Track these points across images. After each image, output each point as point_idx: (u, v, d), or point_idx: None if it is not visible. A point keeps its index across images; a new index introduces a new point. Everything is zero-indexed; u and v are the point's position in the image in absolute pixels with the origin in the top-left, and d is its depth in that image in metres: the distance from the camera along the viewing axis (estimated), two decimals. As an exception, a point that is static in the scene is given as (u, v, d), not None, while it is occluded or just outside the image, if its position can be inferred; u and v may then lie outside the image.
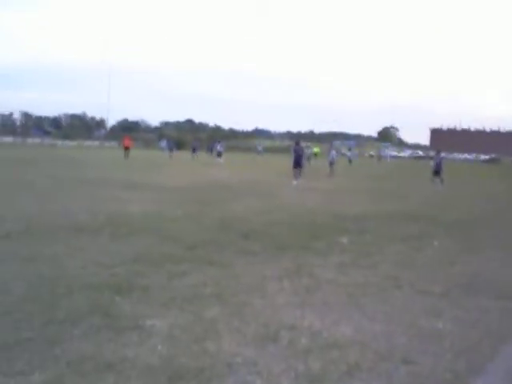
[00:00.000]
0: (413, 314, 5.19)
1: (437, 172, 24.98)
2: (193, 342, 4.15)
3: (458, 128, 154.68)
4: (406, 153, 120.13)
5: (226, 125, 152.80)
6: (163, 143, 58.33)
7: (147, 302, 5.09)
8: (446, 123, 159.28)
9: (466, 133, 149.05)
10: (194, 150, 48.22)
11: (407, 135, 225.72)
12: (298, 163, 22.91)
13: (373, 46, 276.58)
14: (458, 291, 6.11)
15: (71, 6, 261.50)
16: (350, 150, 59.13)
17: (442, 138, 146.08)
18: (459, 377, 3.82)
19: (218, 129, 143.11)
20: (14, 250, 7.05)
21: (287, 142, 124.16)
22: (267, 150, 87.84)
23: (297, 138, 48.56)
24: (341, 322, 4.81)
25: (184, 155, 48.58)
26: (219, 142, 46.91)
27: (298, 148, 23.93)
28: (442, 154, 26.51)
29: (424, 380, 3.73)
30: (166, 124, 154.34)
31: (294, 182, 21.57)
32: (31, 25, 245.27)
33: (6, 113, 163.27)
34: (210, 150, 54.57)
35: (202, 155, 51.16)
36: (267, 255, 7.49)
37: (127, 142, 42.75)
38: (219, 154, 45.83)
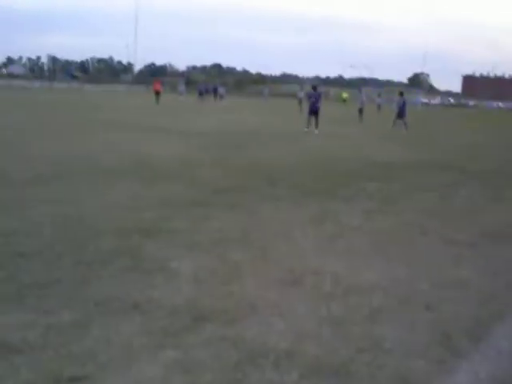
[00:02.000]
0: (437, 261, 5.18)
1: (399, 115, 25.25)
2: (217, 284, 4.22)
3: (492, 75, 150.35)
4: (437, 100, 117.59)
5: (253, 69, 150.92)
6: (181, 87, 55.92)
7: (173, 245, 5.16)
8: (479, 70, 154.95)
9: (499, 80, 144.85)
10: (200, 94, 49.08)
11: (439, 82, 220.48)
12: (313, 110, 21.25)
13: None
14: (484, 240, 6.06)
15: None
16: (379, 95, 57.76)
17: (475, 85, 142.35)
18: (480, 323, 3.82)
19: (245, 73, 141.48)
20: (43, 193, 7.17)
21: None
22: (294, 94, 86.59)
23: (315, 82, 46.80)
24: (364, 268, 4.82)
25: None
26: (220, 86, 50.16)
27: (314, 94, 22.19)
28: (405, 97, 26.57)
29: (445, 326, 3.75)
30: (194, 68, 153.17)
31: (305, 129, 20.55)
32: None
33: (34, 57, 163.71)
34: (203, 92, 52.16)
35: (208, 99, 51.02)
36: (293, 201, 7.49)
37: (157, 86, 41.86)
38: (221, 97, 47.44)
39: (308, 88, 30.07)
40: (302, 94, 42.74)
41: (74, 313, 3.58)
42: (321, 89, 26.61)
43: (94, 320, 3.51)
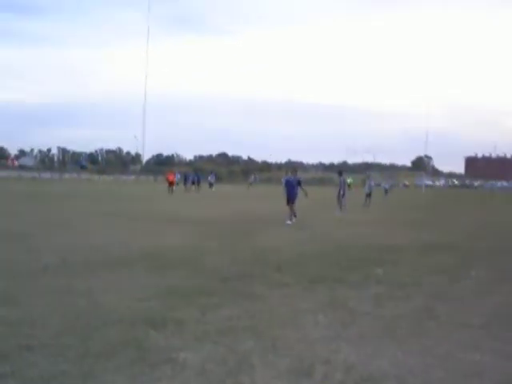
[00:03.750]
0: (449, 346, 5.06)
1: (341, 196, 25.56)
2: (226, 376, 4.12)
3: (494, 155, 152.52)
4: (441, 182, 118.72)
5: (259, 157, 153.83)
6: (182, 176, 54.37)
7: (181, 336, 5.09)
8: (480, 151, 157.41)
9: (501, 160, 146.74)
10: (186, 181, 49.05)
11: (441, 164, 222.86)
12: (292, 198, 18.12)
13: (404, 75, 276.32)
14: (496, 322, 5.94)
15: (107, 41, 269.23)
16: (384, 181, 58.38)
17: (477, 165, 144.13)
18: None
19: (251, 161, 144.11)
20: (51, 284, 7.16)
21: (320, 174, 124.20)
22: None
23: (292, 165, 46.61)
24: (376, 356, 4.72)
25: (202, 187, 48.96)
26: (211, 173, 50.78)
27: (291, 179, 18.75)
28: (342, 178, 26.82)
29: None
30: (200, 158, 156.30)
31: (288, 222, 17.51)
32: (66, 63, 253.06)
33: (44, 149, 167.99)
34: (190, 181, 50.77)
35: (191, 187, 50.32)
36: (301, 288, 7.43)
37: (171, 177, 42.08)
38: (211, 185, 48.24)
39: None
40: (252, 178, 50.50)
41: (80, 408, 3.50)
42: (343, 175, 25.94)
43: (99, 416, 3.42)
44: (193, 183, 49.96)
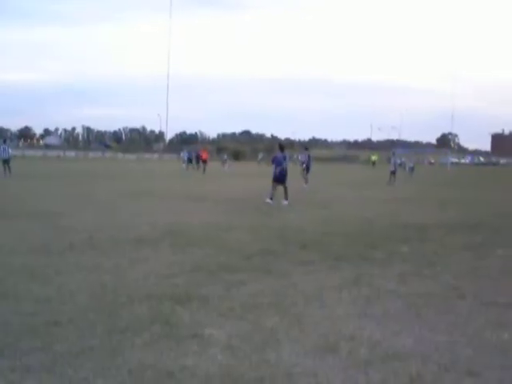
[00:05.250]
0: (476, 324, 5.02)
1: (307, 169, 25.68)
2: (252, 352, 4.14)
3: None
4: (467, 159, 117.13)
5: (282, 135, 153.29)
6: (184, 155, 49.35)
7: (206, 312, 5.13)
8: (507, 128, 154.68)
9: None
10: (189, 160, 45.53)
11: (467, 141, 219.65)
12: (278, 177, 16.68)
13: (430, 51, 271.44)
14: (525, 301, 5.87)
15: (131, 18, 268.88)
16: (409, 159, 57.68)
17: (504, 142, 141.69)
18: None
19: (274, 139, 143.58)
20: (78, 261, 7.26)
21: (344, 151, 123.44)
22: (324, 159, 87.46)
23: (280, 141, 44.80)
24: (401, 333, 4.70)
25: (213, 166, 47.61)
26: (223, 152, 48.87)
27: (279, 156, 17.21)
28: (308, 153, 27.32)
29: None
30: (223, 136, 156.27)
31: (267, 200, 15.99)
32: (89, 41, 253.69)
33: (69, 128, 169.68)
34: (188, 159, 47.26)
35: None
36: (325, 265, 7.41)
37: (205, 155, 40.34)
38: (224, 162, 47.30)
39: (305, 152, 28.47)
40: (300, 157, 45.96)
41: (108, 382, 3.56)
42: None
43: (127, 389, 3.47)
44: (190, 161, 46.84)
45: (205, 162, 38.90)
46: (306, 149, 29.52)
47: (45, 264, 7.01)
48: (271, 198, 16.12)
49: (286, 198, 16.29)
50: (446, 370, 3.91)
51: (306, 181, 25.19)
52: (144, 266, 7.04)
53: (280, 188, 16.56)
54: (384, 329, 4.80)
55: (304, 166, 26.14)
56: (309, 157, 26.70)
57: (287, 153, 18.30)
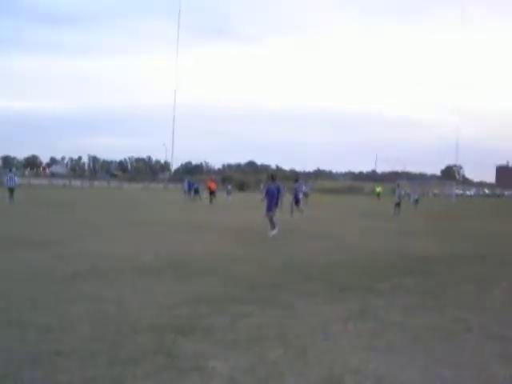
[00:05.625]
0: (484, 359, 4.95)
1: (296, 201, 25.32)
2: (255, 385, 4.09)
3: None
4: (472, 191, 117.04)
5: (287, 166, 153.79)
6: (185, 185, 46.46)
7: (209, 343, 5.08)
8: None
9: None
10: (193, 191, 42.86)
11: (472, 173, 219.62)
12: (271, 206, 16.10)
13: (435, 84, 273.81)
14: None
15: (138, 50, 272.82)
16: (413, 191, 57.54)
17: (509, 174, 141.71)
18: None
19: (279, 170, 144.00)
20: (80, 290, 7.23)
21: (349, 182, 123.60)
22: (329, 190, 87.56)
23: (272, 171, 43.63)
24: (407, 367, 4.63)
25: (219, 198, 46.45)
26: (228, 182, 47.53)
27: (271, 187, 16.48)
28: (300, 183, 27.36)
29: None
30: (228, 166, 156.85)
31: (270, 233, 15.65)
32: (95, 72, 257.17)
33: (75, 157, 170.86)
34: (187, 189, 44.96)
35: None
36: (330, 297, 7.36)
37: (212, 185, 38.43)
38: (229, 193, 46.62)
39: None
40: (229, 188, 50.46)
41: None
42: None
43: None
44: (195, 192, 44.69)
45: (212, 192, 37.40)
46: (296, 180, 28.87)
47: (48, 293, 6.98)
48: (272, 229, 15.81)
49: (272, 230, 15.81)
50: (452, 406, 3.84)
51: (300, 210, 24.85)
52: (147, 296, 7.00)
53: (268, 216, 16.06)
54: (389, 362, 4.73)
55: (293, 196, 25.68)
56: (297, 187, 26.14)
57: (280, 183, 17.59)
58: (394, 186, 51.84)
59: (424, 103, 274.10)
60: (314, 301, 7.08)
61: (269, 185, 16.81)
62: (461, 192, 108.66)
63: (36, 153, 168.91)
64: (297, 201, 25.38)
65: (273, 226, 15.94)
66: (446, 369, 4.62)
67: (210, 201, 36.70)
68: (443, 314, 6.63)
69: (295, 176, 29.87)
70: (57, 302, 6.48)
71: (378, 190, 71.47)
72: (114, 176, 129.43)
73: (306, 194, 43.58)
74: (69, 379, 4.05)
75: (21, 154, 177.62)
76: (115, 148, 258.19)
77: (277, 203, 16.06)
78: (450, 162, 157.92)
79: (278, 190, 16.28)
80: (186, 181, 48.83)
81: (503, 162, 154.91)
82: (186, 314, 6.14)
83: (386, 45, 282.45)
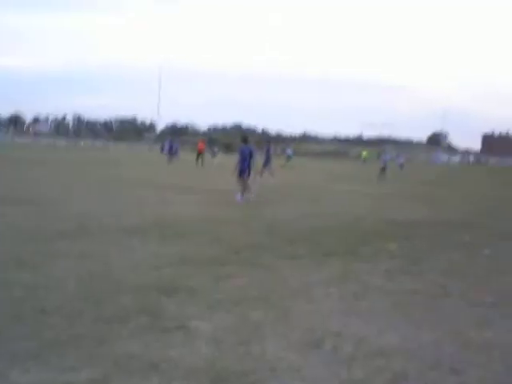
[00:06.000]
0: (461, 323, 5.07)
1: (266, 163, 24.93)
2: (237, 345, 4.16)
3: (511, 134, 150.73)
4: (457, 158, 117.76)
5: (273, 129, 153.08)
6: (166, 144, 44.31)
7: (193, 304, 5.14)
8: (498, 128, 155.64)
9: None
10: (168, 150, 41.52)
11: (458, 140, 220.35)
12: (243, 170, 15.40)
13: (423, 48, 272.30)
14: (509, 301, 5.93)
15: (122, 10, 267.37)
16: (396, 155, 57.96)
17: (494, 143, 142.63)
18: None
19: (265, 133, 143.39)
20: (66, 249, 7.24)
21: (335, 146, 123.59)
22: (315, 154, 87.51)
23: (244, 133, 42.00)
24: (387, 330, 4.73)
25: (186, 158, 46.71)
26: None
27: (244, 148, 15.73)
28: (269, 145, 26.59)
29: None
30: (214, 128, 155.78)
31: (238, 197, 15.03)
32: (81, 30, 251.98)
33: (60, 116, 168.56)
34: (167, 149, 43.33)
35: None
36: (313, 260, 7.44)
37: (201, 146, 37.59)
38: (214, 154, 45.90)
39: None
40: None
41: (93, 371, 3.57)
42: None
43: (112, 379, 3.48)
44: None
45: (201, 154, 36.79)
46: (268, 141, 28.67)
47: (33, 251, 6.98)
48: (241, 194, 15.15)
49: (248, 192, 15.39)
50: (429, 368, 3.95)
51: (272, 173, 24.50)
52: (132, 257, 7.03)
53: (240, 181, 15.39)
54: (370, 326, 4.83)
55: (264, 158, 25.22)
56: (269, 150, 26.05)
57: (252, 146, 16.53)
58: (380, 150, 52.00)
59: (412, 70, 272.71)
60: (297, 264, 7.16)
61: (241, 147, 15.95)
62: (446, 159, 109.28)
63: (20, 111, 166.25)
64: (267, 163, 24.94)
65: (247, 190, 15.38)
66: (425, 333, 4.72)
67: (198, 162, 36.14)
68: (424, 279, 6.75)
69: (267, 138, 29.88)
70: (42, 261, 6.50)
71: (364, 154, 71.53)
72: (98, 136, 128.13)
73: (289, 157, 43.88)
74: (54, 337, 4.09)
75: (4, 111, 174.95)
76: (100, 108, 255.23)
77: (249, 166, 15.45)
78: (437, 128, 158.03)
79: (251, 153, 15.59)
80: (167, 140, 47.39)
81: (489, 131, 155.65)
82: (169, 274, 6.18)
83: (373, 10, 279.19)
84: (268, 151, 25.58)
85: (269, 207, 13.81)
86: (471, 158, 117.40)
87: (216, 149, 54.47)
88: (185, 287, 5.66)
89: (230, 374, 3.64)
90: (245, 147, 15.70)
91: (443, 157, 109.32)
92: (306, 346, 4.24)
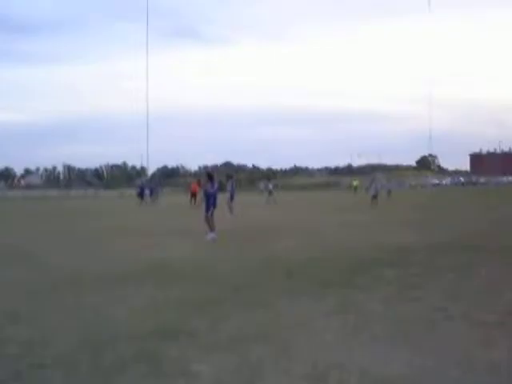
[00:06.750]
0: (465, 346, 5.01)
1: (231, 198, 25.21)
2: (240, 385, 4.09)
3: (499, 151, 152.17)
4: (447, 180, 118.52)
5: (264, 165, 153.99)
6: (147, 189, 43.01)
7: (193, 346, 5.06)
8: (485, 147, 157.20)
9: (507, 155, 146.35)
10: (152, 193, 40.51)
11: (447, 162, 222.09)
12: (209, 207, 14.86)
13: (404, 75, 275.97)
14: (511, 320, 5.90)
15: (106, 56, 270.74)
16: (388, 181, 58.29)
17: (483, 161, 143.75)
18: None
19: (256, 169, 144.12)
20: (60, 301, 7.15)
21: (325, 178, 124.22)
22: (306, 186, 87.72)
23: (209, 169, 41.93)
24: (390, 359, 4.67)
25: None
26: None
27: (211, 185, 15.20)
28: (232, 181, 27.48)
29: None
30: (205, 168, 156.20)
31: (210, 236, 14.51)
32: (66, 81, 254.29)
33: (50, 167, 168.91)
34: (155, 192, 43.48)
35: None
36: (312, 293, 7.38)
37: (195, 188, 35.01)
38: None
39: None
40: (262, 186, 54.08)
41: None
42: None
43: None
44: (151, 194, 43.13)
45: (194, 195, 35.15)
46: (231, 177, 29.14)
47: (27, 305, 6.89)
48: (212, 231, 14.63)
49: (212, 230, 14.67)
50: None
51: (231, 210, 24.14)
52: (128, 304, 6.95)
53: (207, 217, 14.84)
54: (373, 355, 4.76)
55: (229, 194, 25.17)
56: (232, 185, 26.30)
57: (216, 181, 15.74)
58: (371, 179, 52.24)
59: (394, 96, 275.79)
60: (296, 298, 7.10)
61: (208, 185, 15.18)
62: (437, 182, 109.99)
63: (9, 165, 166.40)
64: (232, 198, 25.06)
65: (211, 229, 14.74)
66: (429, 358, 4.66)
67: (191, 202, 35.06)
68: (424, 303, 6.70)
69: (228, 173, 31.25)
70: (37, 314, 6.41)
71: (355, 183, 71.90)
72: (90, 184, 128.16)
73: (270, 192, 44.28)
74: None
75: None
76: (90, 156, 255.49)
77: (214, 204, 15.03)
78: (425, 152, 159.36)
79: (216, 191, 15.21)
80: (144, 185, 46.22)
81: (476, 150, 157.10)
82: (168, 318, 6.10)
83: (351, 40, 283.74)
84: (232, 186, 25.90)
85: (264, 242, 13.74)
86: (461, 179, 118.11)
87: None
88: (184, 330, 5.59)
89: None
90: (212, 184, 15.14)
91: (434, 180, 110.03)
92: (309, 381, 4.17)
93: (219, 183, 19.99)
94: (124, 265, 10.22)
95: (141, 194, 41.12)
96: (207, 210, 14.86)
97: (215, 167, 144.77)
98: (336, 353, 4.83)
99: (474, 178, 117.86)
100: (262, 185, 61.81)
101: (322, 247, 12.64)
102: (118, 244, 14.14)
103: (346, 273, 8.91)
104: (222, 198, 16.75)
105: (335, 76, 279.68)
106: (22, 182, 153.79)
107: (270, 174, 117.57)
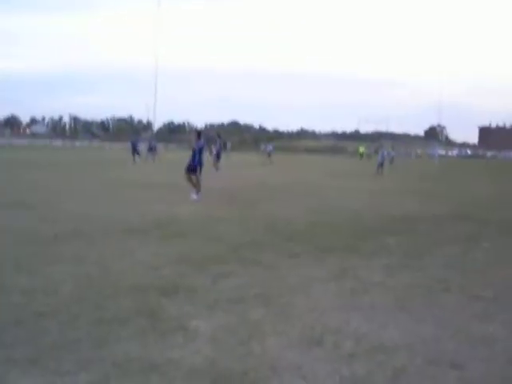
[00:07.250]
0: (462, 318, 5.05)
1: (217, 157, 27.31)
2: (237, 344, 4.14)
3: (508, 126, 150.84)
4: (454, 152, 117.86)
5: (270, 126, 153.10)
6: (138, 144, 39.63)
7: (192, 304, 5.12)
8: (495, 121, 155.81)
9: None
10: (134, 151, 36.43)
11: (455, 134, 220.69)
12: (194, 166, 14.64)
13: (421, 43, 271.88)
14: (509, 294, 5.92)
15: (120, 10, 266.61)
16: (393, 148, 57.96)
17: (491, 135, 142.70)
18: (509, 382, 3.69)
19: (262, 130, 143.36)
20: (64, 251, 7.21)
21: (332, 142, 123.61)
22: (312, 150, 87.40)
23: (198, 128, 42.14)
24: (387, 326, 4.72)
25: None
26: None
27: (197, 143, 14.93)
28: (220, 141, 29.44)
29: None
30: (211, 126, 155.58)
31: (194, 196, 14.17)
32: (76, 30, 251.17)
33: (56, 117, 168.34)
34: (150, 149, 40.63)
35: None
36: (312, 257, 7.42)
37: None
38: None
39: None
40: (264, 148, 53.80)
41: (92, 374, 3.54)
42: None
43: (111, 382, 3.46)
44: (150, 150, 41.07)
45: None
46: (219, 136, 31.02)
47: (30, 255, 6.95)
48: (197, 193, 14.34)
49: (197, 191, 14.40)
50: (430, 363, 3.93)
51: (217, 168, 26.22)
52: (130, 257, 7.00)
53: (188, 177, 14.68)
54: (370, 322, 4.81)
55: (214, 153, 27.67)
56: (220, 144, 28.63)
57: (204, 141, 15.64)
58: (376, 145, 51.98)
59: (407, 65, 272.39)
60: (295, 261, 7.14)
61: (197, 143, 14.88)
62: (443, 153, 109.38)
63: (16, 113, 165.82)
64: (218, 157, 27.20)
65: (197, 189, 14.52)
66: (425, 328, 4.71)
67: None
68: (424, 273, 6.73)
69: (217, 132, 33.32)
70: (39, 264, 6.45)
71: (362, 150, 71.48)
72: (95, 136, 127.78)
73: (269, 154, 44.67)
74: (52, 341, 4.06)
75: (0, 113, 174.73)
76: (97, 108, 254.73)
77: (200, 162, 14.83)
78: (434, 122, 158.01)
79: (201, 149, 14.96)
80: (139, 139, 44.58)
81: (486, 123, 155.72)
82: (168, 274, 6.15)
83: (368, 7, 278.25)
84: (219, 145, 28.12)
85: (268, 204, 13.76)
86: (469, 152, 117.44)
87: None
88: (184, 287, 5.63)
89: (231, 374, 3.62)
90: (199, 142, 14.88)
91: (441, 151, 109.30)
92: (306, 344, 4.22)
93: (224, 143, 20.17)
94: (131, 218, 10.26)
95: (133, 151, 36.82)
96: (194, 169, 14.62)
97: (221, 126, 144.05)
98: (333, 318, 4.87)
99: (480, 152, 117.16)
100: (262, 146, 64.04)
101: (327, 212, 12.64)
102: (120, 196, 14.18)
103: (349, 239, 8.93)
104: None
105: (347, 42, 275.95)
106: (28, 130, 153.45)
107: (274, 136, 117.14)
